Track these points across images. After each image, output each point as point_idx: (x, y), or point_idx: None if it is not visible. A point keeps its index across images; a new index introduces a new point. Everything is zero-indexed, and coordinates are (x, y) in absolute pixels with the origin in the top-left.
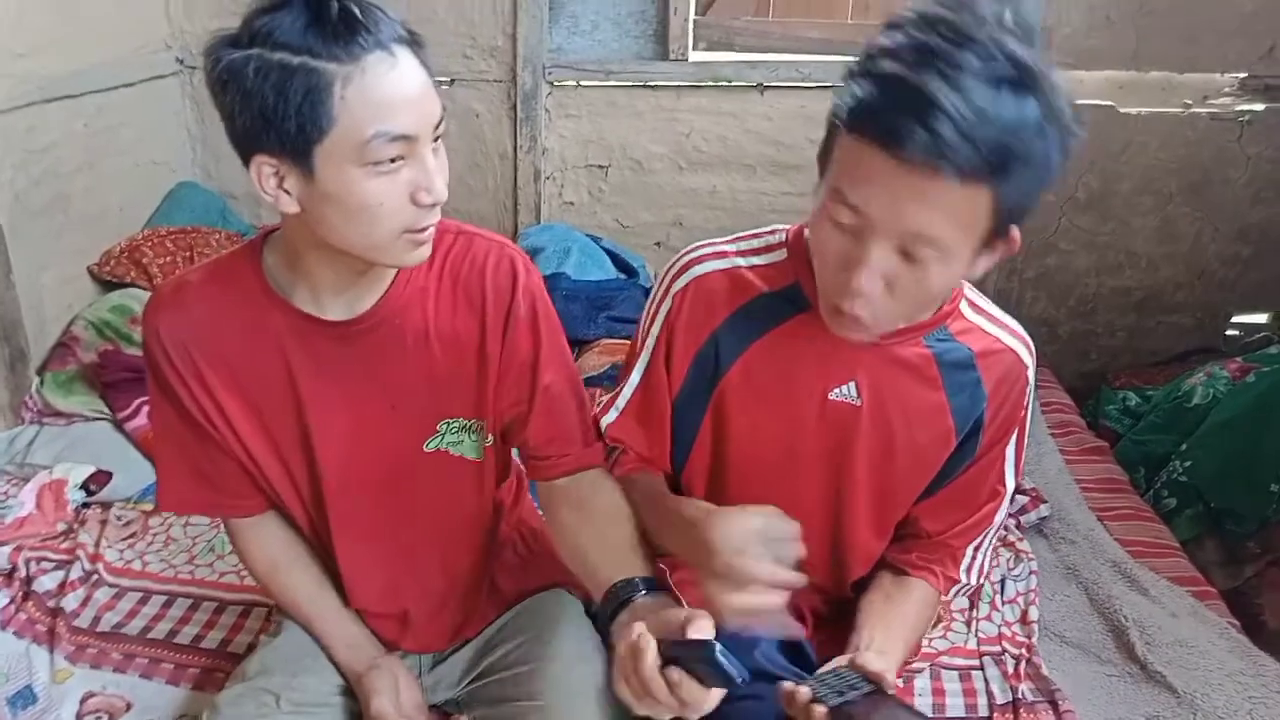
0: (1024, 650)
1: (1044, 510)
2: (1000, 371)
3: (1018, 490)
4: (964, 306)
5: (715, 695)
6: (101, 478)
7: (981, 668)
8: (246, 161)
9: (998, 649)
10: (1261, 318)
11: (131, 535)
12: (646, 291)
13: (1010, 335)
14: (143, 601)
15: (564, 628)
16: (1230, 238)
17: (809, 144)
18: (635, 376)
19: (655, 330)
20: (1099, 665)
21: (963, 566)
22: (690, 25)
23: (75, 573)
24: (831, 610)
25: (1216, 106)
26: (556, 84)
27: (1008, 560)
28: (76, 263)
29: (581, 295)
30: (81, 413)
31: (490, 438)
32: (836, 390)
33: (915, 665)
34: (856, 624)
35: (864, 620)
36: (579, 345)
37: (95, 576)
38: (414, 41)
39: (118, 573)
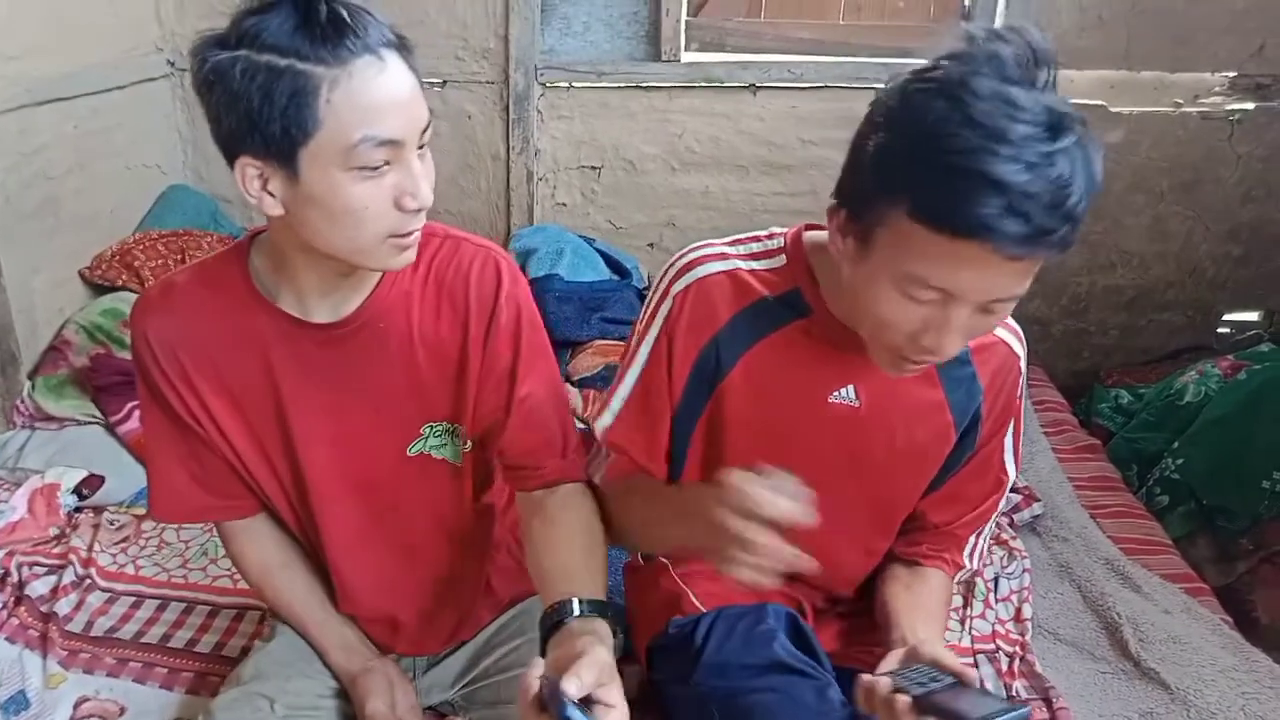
0: (1018, 648)
1: (1037, 508)
2: (995, 364)
3: (1011, 489)
4: None
5: None
6: (94, 482)
7: (975, 665)
8: (231, 162)
9: (991, 647)
10: (1252, 316)
11: (124, 539)
12: (639, 292)
13: (1001, 327)
14: (136, 606)
15: None
16: (1221, 236)
17: (801, 144)
18: (631, 378)
19: (654, 332)
20: (1092, 662)
21: (965, 552)
22: (682, 26)
23: (68, 577)
24: (829, 604)
25: (1207, 105)
26: (549, 85)
27: (1001, 558)
28: (68, 266)
29: (574, 296)
30: (73, 417)
31: (468, 443)
32: (835, 394)
33: None
34: (886, 619)
35: (896, 614)
36: (572, 346)
37: (88, 581)
38: (403, 46)
39: (111, 577)
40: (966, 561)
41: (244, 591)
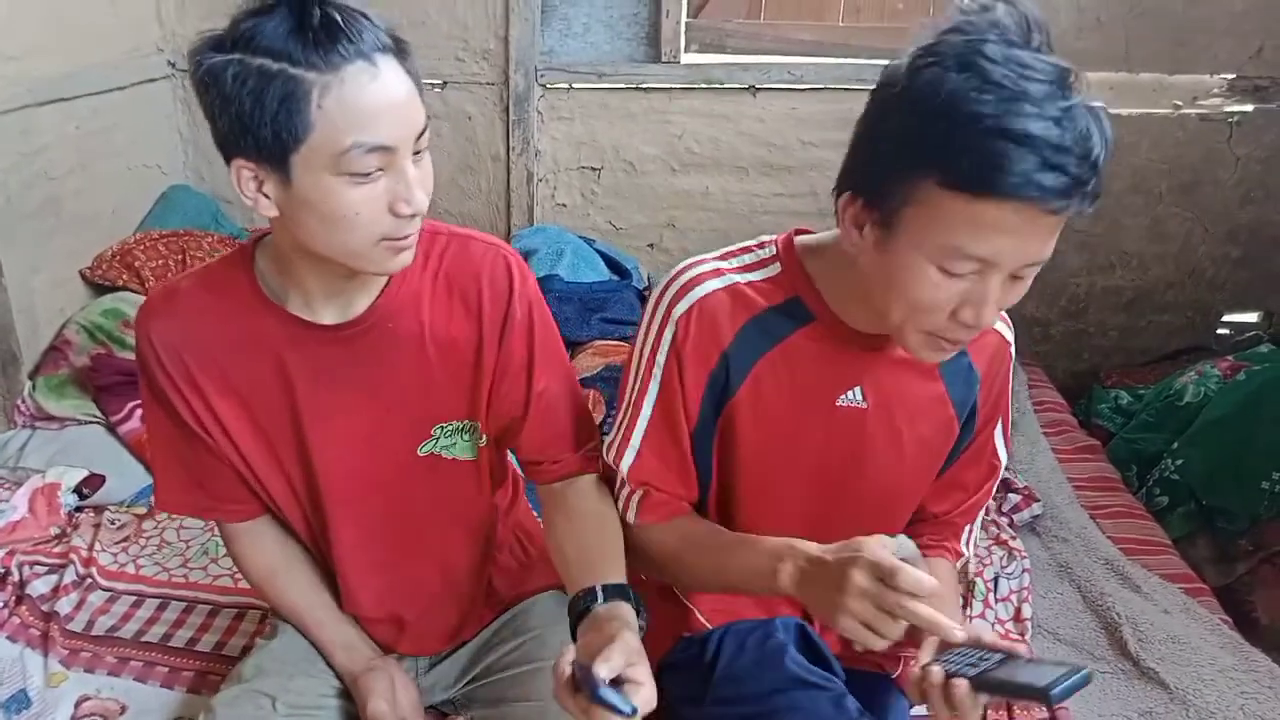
0: None
1: (1037, 509)
2: (990, 352)
3: (1010, 489)
4: None
5: None
6: (95, 481)
7: None
8: (228, 163)
9: None
10: (1251, 316)
11: (125, 539)
12: (639, 293)
13: None
14: (137, 605)
15: (561, 629)
16: (1220, 238)
17: (801, 145)
18: (646, 410)
19: (661, 359)
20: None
21: (962, 540)
22: (682, 27)
23: (69, 577)
24: None
25: (1206, 107)
26: (549, 86)
27: (1001, 558)
28: (68, 266)
29: (575, 297)
30: (74, 416)
31: (484, 438)
32: (843, 396)
33: None
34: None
35: None
36: (572, 347)
37: (89, 580)
38: (399, 49)
39: (111, 576)
40: (964, 549)
41: (245, 591)
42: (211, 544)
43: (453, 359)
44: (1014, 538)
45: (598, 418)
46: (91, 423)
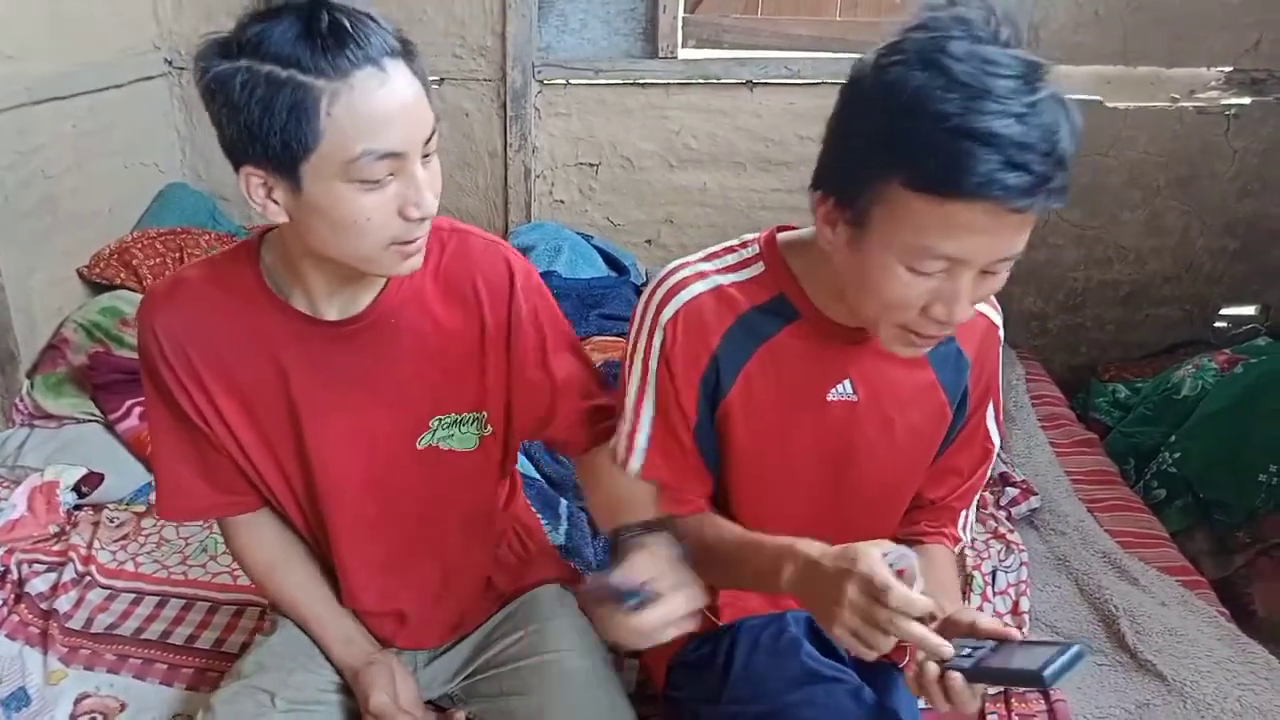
0: None
1: (1034, 502)
2: (978, 336)
3: (1008, 483)
4: None
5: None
6: (93, 479)
7: None
8: (236, 170)
9: None
10: (1249, 310)
11: (124, 537)
12: (637, 289)
13: None
14: (136, 603)
15: (561, 623)
16: (1217, 231)
17: (798, 140)
18: (647, 415)
19: (654, 364)
20: (1090, 654)
21: (959, 525)
22: (679, 23)
23: (68, 575)
24: None
25: (1203, 100)
26: (546, 82)
27: (999, 552)
28: (66, 264)
29: (572, 293)
30: (72, 415)
31: (489, 428)
32: (833, 391)
33: None
34: None
35: None
36: None
37: (88, 578)
38: (407, 52)
39: (110, 574)
40: (961, 534)
41: (244, 588)
42: (210, 541)
43: (453, 353)
44: (1012, 531)
45: None
46: (90, 421)
